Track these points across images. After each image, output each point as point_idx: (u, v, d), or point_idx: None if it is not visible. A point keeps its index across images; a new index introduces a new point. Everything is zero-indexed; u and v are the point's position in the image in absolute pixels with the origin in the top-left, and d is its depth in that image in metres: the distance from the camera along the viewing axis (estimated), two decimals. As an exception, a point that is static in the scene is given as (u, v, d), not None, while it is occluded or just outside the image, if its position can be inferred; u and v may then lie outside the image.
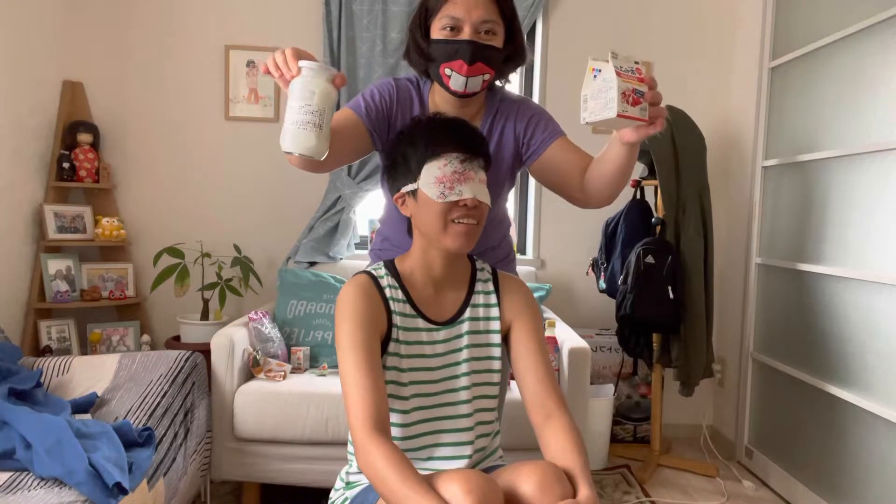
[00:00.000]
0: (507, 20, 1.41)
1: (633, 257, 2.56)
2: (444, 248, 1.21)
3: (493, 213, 1.54)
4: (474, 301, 1.31)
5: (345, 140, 1.32)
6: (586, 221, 3.09)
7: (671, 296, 2.51)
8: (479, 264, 1.35)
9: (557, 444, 1.16)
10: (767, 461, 2.64)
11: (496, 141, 1.48)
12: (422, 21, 1.41)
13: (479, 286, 1.32)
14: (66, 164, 2.72)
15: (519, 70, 3.25)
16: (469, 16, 1.34)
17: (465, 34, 1.35)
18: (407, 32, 1.47)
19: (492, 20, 1.36)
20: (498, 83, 1.51)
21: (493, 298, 1.31)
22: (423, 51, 1.41)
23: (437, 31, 1.38)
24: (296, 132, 1.12)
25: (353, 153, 1.40)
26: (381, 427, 1.09)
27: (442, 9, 1.36)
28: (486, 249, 1.53)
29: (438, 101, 1.46)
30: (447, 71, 1.37)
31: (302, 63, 1.13)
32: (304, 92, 1.11)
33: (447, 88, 1.40)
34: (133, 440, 1.64)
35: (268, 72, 1.15)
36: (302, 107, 1.11)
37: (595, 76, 1.09)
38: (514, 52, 1.45)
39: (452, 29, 1.35)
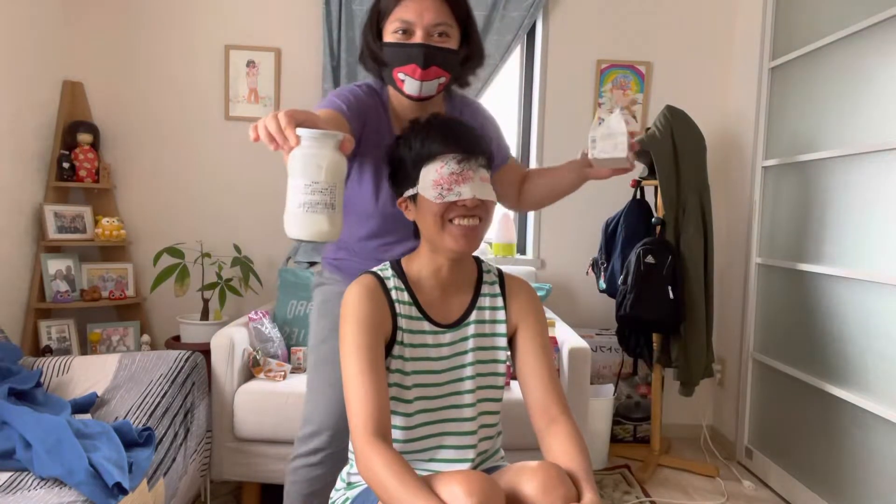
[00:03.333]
0: (462, 22, 1.38)
1: (633, 257, 2.56)
2: (447, 249, 1.19)
3: None
4: (480, 303, 1.29)
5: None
6: (586, 221, 3.09)
7: (671, 296, 2.51)
8: (485, 266, 1.34)
9: (561, 448, 1.16)
10: (767, 461, 2.64)
11: None
12: (374, 24, 1.39)
13: (485, 288, 1.31)
14: (66, 164, 2.72)
15: (518, 70, 3.27)
16: (420, 19, 1.32)
17: (418, 37, 1.32)
18: (360, 36, 1.45)
19: (444, 23, 1.34)
20: (455, 87, 1.48)
21: (499, 301, 1.30)
22: (375, 54, 1.39)
23: (390, 35, 1.35)
24: (304, 216, 0.97)
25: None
26: (382, 433, 1.09)
27: (393, 11, 1.34)
28: None
29: (396, 104, 1.44)
30: (401, 75, 1.35)
31: (301, 131, 0.97)
32: (309, 167, 0.96)
33: (402, 92, 1.37)
34: (133, 440, 1.64)
35: (259, 139, 0.98)
36: (308, 185, 0.96)
37: (601, 123, 1.35)
38: (470, 53, 1.42)
39: (404, 32, 1.33)
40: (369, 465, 1.05)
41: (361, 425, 1.09)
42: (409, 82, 1.35)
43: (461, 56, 1.40)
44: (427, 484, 1.02)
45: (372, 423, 1.09)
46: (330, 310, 1.52)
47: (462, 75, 1.47)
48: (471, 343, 1.27)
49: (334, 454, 1.49)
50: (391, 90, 1.44)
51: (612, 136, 1.30)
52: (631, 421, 2.99)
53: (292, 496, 1.53)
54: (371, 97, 1.44)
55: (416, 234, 1.28)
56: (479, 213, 1.18)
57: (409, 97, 1.38)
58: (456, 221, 1.17)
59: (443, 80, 1.37)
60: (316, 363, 1.53)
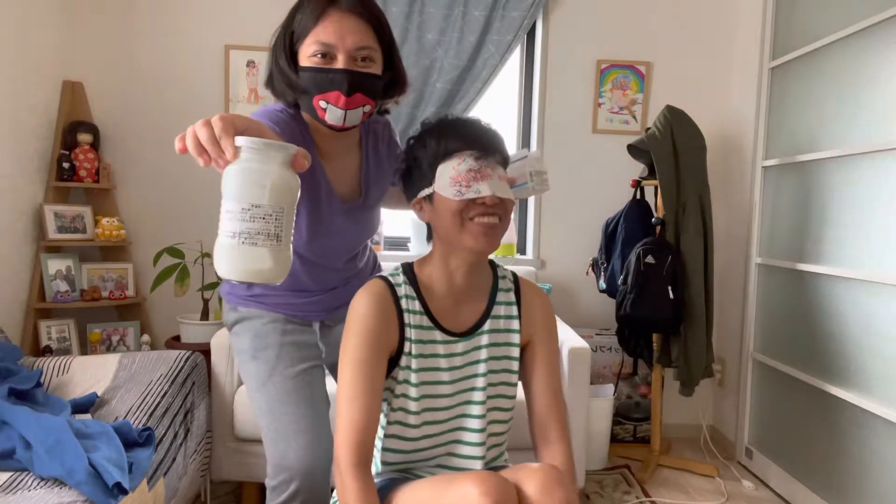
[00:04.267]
0: (385, 45, 1.30)
1: (633, 257, 2.56)
2: (466, 249, 1.14)
3: (365, 246, 1.56)
4: (495, 312, 1.25)
5: None
6: (586, 221, 3.09)
7: (671, 296, 2.51)
8: (500, 272, 1.30)
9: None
10: (767, 461, 2.64)
11: (377, 160, 1.46)
12: (286, 46, 1.26)
13: (500, 296, 1.27)
14: (66, 164, 2.72)
15: (518, 70, 3.27)
16: (343, 42, 1.21)
17: (340, 62, 1.22)
18: (269, 57, 1.31)
19: (368, 46, 1.24)
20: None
21: (514, 310, 1.27)
22: (290, 80, 1.26)
23: (307, 59, 1.23)
24: (239, 250, 0.77)
25: None
26: (362, 461, 1.10)
27: (311, 33, 1.22)
28: (352, 276, 1.53)
29: (312, 132, 1.34)
30: (322, 103, 1.23)
31: (242, 140, 0.78)
32: (250, 186, 0.77)
33: (323, 122, 1.26)
34: (133, 440, 1.64)
35: (186, 151, 0.81)
36: (247, 210, 0.77)
37: (524, 158, 1.46)
38: (393, 79, 1.34)
39: (324, 56, 1.22)
40: (344, 494, 1.08)
41: (345, 448, 1.10)
42: (331, 111, 1.23)
43: (384, 82, 1.31)
44: (441, 480, 1.03)
45: (354, 451, 1.10)
46: (265, 342, 1.43)
47: (384, 103, 1.39)
48: (484, 353, 1.23)
49: (311, 492, 1.38)
50: (307, 117, 1.33)
51: (540, 174, 1.44)
52: (631, 421, 2.99)
53: None
54: (294, 122, 1.32)
55: (428, 237, 1.25)
56: (499, 211, 1.14)
57: (331, 127, 1.27)
58: (475, 220, 1.13)
59: (368, 108, 1.28)
60: (271, 403, 1.39)
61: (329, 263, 1.46)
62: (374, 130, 1.47)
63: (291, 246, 0.84)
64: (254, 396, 1.42)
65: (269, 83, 1.33)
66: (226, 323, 1.52)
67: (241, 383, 2.21)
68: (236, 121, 0.82)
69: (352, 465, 1.09)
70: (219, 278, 2.71)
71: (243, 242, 0.77)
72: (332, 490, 1.36)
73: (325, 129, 1.30)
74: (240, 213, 0.77)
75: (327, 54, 1.22)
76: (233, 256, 0.78)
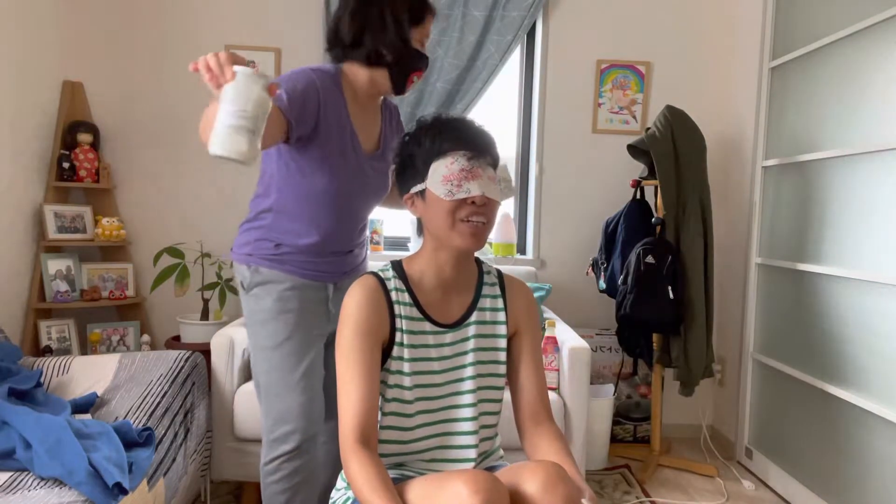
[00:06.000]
0: None
1: (633, 257, 2.56)
2: (454, 247, 1.20)
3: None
4: (481, 304, 1.30)
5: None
6: (586, 221, 3.09)
7: (671, 296, 2.51)
8: (485, 267, 1.35)
9: (550, 448, 1.22)
10: (767, 461, 2.64)
11: (391, 129, 1.69)
12: (404, 27, 1.50)
13: (486, 289, 1.32)
14: (66, 164, 2.72)
15: (518, 70, 3.27)
16: (428, 37, 1.58)
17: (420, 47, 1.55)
18: (388, 15, 1.49)
19: None
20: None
21: (499, 302, 1.32)
22: (401, 53, 1.51)
23: (416, 41, 1.53)
24: (228, 135, 1.11)
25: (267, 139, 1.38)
26: (365, 440, 1.13)
27: (424, 22, 1.53)
28: (357, 246, 1.68)
29: (349, 94, 1.54)
30: (415, 78, 1.55)
31: (238, 68, 1.14)
32: (240, 98, 1.12)
33: (402, 90, 1.55)
34: (133, 440, 1.64)
35: (197, 70, 1.14)
36: (236, 111, 1.11)
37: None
38: None
39: (422, 43, 1.54)
40: (348, 469, 1.11)
41: (349, 430, 1.13)
42: (415, 84, 1.56)
43: None
44: (395, 491, 1.06)
45: (357, 431, 1.13)
46: (288, 306, 1.54)
47: None
48: (471, 343, 1.27)
49: (309, 447, 1.57)
50: (346, 76, 1.55)
51: (507, 181, 1.51)
52: (631, 421, 2.99)
53: (287, 493, 1.57)
54: (328, 81, 1.50)
55: (419, 230, 1.29)
56: (486, 211, 1.19)
57: (398, 94, 1.56)
58: (465, 219, 1.18)
59: None
60: (284, 360, 1.54)
61: (353, 214, 1.62)
62: (388, 106, 1.72)
63: (260, 142, 1.15)
64: (267, 354, 1.56)
65: (379, 37, 1.49)
66: (244, 284, 1.60)
67: (241, 383, 2.21)
68: (236, 57, 1.15)
69: (356, 442, 1.12)
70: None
71: (232, 131, 1.10)
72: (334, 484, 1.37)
73: (357, 88, 1.55)
74: (232, 113, 1.10)
75: (423, 42, 1.55)
76: (223, 139, 1.10)
